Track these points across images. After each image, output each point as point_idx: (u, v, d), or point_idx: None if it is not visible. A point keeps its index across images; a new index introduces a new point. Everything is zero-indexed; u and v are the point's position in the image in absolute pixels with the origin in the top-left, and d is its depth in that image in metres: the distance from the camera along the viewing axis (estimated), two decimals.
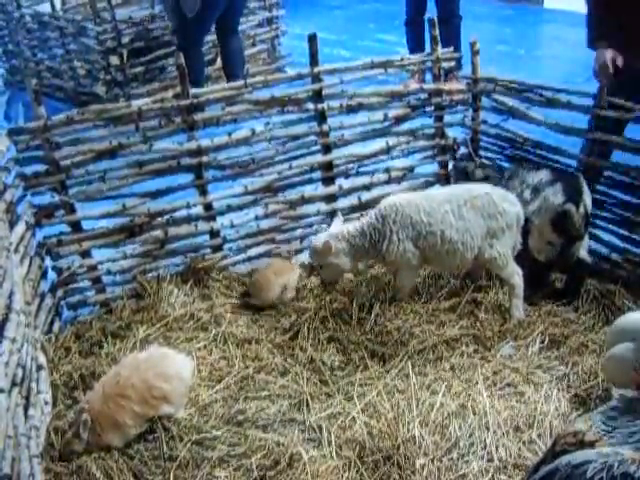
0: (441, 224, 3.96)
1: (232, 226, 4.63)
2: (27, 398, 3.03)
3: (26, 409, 2.97)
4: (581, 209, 3.96)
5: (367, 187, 4.89)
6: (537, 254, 4.17)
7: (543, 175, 4.15)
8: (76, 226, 4.22)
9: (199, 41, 7.22)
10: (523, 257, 4.18)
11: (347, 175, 4.88)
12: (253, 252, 4.73)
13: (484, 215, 3.97)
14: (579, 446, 2.24)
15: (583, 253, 4.13)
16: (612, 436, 2.27)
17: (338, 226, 4.12)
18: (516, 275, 4.05)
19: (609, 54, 4.04)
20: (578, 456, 2.16)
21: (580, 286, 4.20)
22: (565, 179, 4.07)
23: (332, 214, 4.83)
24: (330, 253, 3.97)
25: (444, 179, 5.06)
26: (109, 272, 4.40)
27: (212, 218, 4.55)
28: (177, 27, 7.10)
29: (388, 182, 4.93)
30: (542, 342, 3.81)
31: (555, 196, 3.99)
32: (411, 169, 5.03)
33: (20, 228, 3.81)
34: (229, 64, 7.51)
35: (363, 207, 4.82)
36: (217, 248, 4.63)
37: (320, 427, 3.27)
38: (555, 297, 4.21)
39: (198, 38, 7.18)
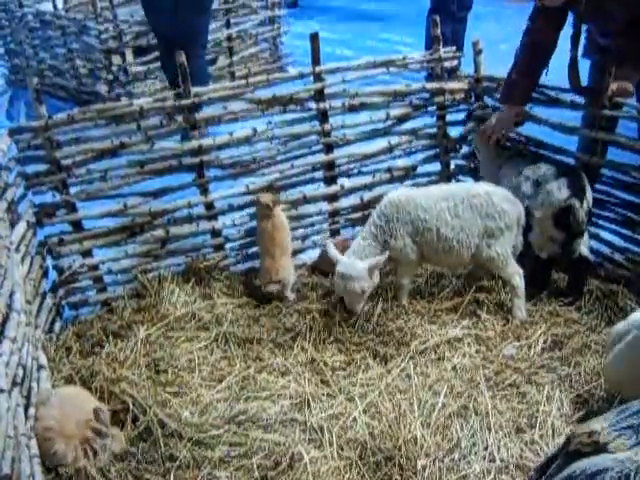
0: (436, 221, 3.97)
1: (233, 225, 4.62)
2: (28, 398, 3.03)
3: (26, 409, 2.96)
4: (584, 204, 3.96)
5: (369, 187, 4.89)
6: (539, 251, 4.16)
7: (544, 169, 4.13)
8: (77, 225, 4.22)
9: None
10: (525, 255, 4.17)
11: (349, 175, 4.88)
12: (255, 252, 4.71)
13: (482, 214, 3.96)
14: (593, 446, 2.21)
15: (585, 250, 4.12)
16: (624, 434, 2.24)
17: (354, 248, 4.06)
18: (517, 275, 4.04)
19: (513, 113, 4.38)
20: (593, 464, 2.13)
21: (583, 284, 4.19)
22: (569, 174, 4.06)
23: (334, 214, 4.83)
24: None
25: (446, 178, 5.04)
26: (110, 271, 4.39)
27: (213, 217, 4.54)
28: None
29: (390, 181, 4.92)
30: (544, 342, 3.80)
31: (559, 191, 3.97)
32: (413, 168, 5.02)
33: (21, 227, 3.80)
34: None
35: (365, 207, 4.81)
36: (218, 248, 4.62)
37: (321, 427, 3.25)
38: (558, 297, 4.20)
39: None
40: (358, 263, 3.92)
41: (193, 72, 6.48)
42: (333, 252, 4.03)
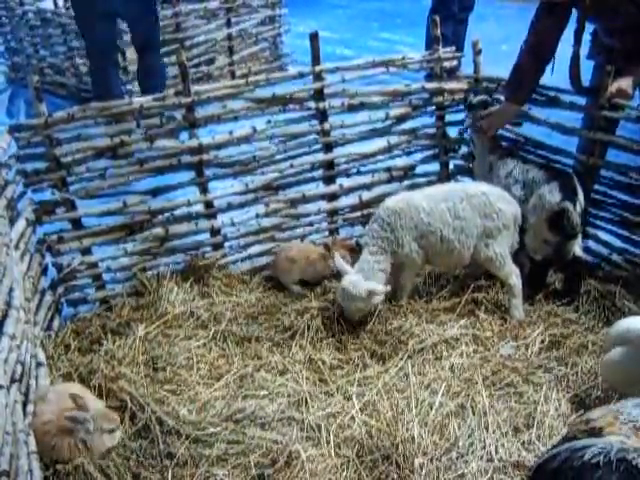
0: (439, 223, 3.96)
1: (233, 224, 4.63)
2: (26, 395, 3.04)
3: (25, 406, 2.97)
4: (577, 207, 3.97)
5: (368, 186, 4.89)
6: (533, 253, 4.18)
7: (534, 173, 4.14)
8: (76, 223, 4.22)
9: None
10: (520, 256, 4.18)
11: (348, 174, 4.88)
12: (254, 250, 4.72)
13: (480, 214, 3.97)
14: (589, 432, 2.25)
15: (579, 251, 4.14)
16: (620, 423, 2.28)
17: (362, 265, 3.99)
18: (514, 275, 4.05)
19: (512, 110, 4.38)
20: (581, 442, 2.19)
21: (579, 284, 4.20)
22: (560, 177, 4.08)
23: (332, 213, 4.84)
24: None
25: (445, 179, 5.05)
26: (109, 269, 4.40)
27: (213, 216, 4.55)
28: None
29: (389, 181, 4.93)
30: (542, 342, 3.81)
31: (551, 194, 3.99)
32: (412, 168, 5.02)
33: (20, 225, 3.81)
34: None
35: (364, 206, 4.82)
36: (217, 246, 4.63)
37: (319, 426, 3.27)
38: (555, 297, 4.21)
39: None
40: (361, 284, 3.83)
41: (155, 72, 6.52)
42: (341, 264, 3.98)
